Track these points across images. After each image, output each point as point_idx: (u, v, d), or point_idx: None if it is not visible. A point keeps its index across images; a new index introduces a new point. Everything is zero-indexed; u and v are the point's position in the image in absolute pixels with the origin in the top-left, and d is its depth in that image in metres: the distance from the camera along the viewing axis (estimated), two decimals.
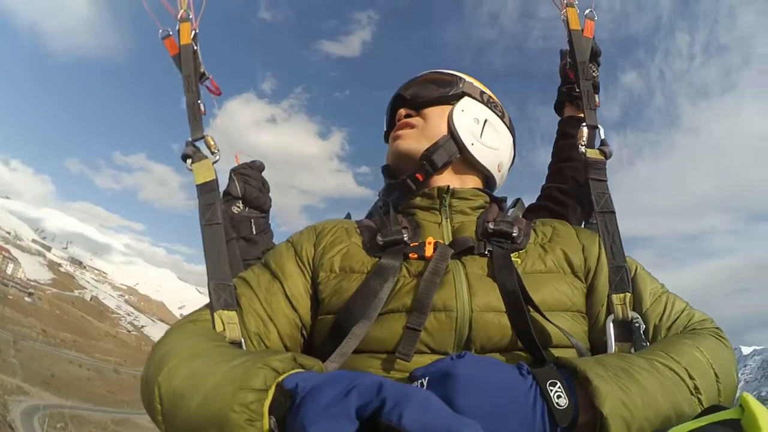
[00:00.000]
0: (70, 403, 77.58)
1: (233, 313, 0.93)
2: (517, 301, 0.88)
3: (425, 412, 0.52)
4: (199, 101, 1.21)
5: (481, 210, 1.12)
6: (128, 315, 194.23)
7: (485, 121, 1.21)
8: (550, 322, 0.89)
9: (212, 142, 1.17)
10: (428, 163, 1.12)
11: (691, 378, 0.79)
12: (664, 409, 0.72)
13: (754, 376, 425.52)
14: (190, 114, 1.19)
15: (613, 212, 1.13)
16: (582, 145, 1.24)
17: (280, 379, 0.64)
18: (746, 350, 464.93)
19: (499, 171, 1.25)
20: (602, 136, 1.27)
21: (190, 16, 1.26)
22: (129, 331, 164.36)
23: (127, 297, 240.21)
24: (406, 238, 0.99)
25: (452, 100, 1.19)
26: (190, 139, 1.16)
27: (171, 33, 1.26)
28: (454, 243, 0.99)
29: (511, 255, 0.98)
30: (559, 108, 1.64)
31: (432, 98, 1.19)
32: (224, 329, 0.91)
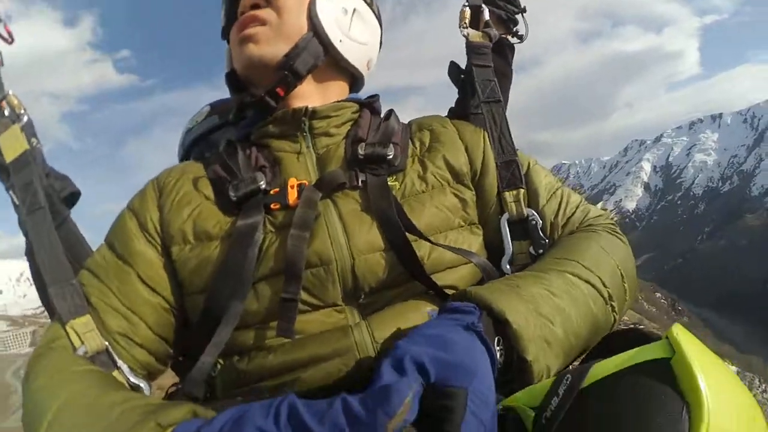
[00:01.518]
0: None
1: (87, 318, 0.78)
2: (399, 234, 0.79)
3: None
4: None
5: (350, 124, 0.95)
6: None
7: (354, 10, 0.98)
8: (440, 245, 0.82)
9: (16, 101, 0.96)
10: (290, 72, 0.89)
11: (605, 287, 0.77)
12: (585, 331, 0.71)
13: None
14: None
15: (500, 101, 1.05)
16: (464, 27, 1.13)
17: None
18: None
19: (369, 69, 1.06)
20: (486, 17, 1.17)
21: None
22: None
23: None
24: (263, 185, 0.83)
25: None
26: None
27: None
28: (321, 181, 0.83)
29: (388, 180, 0.86)
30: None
31: None
32: (82, 342, 0.76)
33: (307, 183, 0.83)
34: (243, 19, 0.90)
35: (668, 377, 0.53)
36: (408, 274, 0.80)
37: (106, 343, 0.77)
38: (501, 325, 0.64)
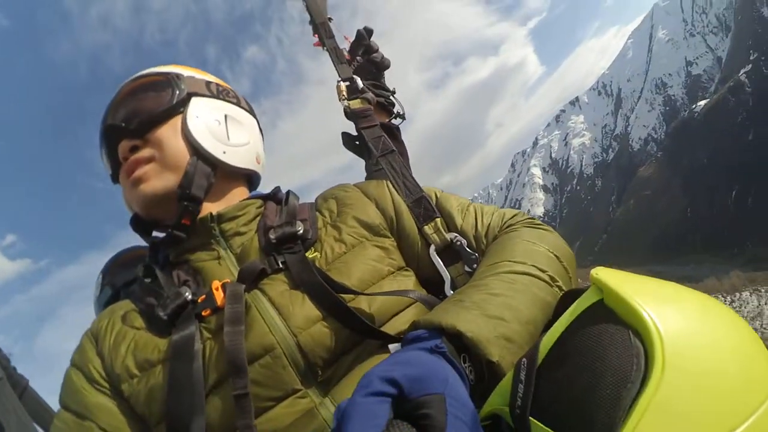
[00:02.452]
0: None
1: None
2: (332, 298, 0.79)
3: None
4: None
5: (257, 218, 0.97)
6: None
7: (225, 117, 0.99)
8: (375, 294, 0.83)
9: None
10: (190, 201, 0.90)
11: (543, 272, 0.78)
12: (540, 316, 0.72)
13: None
14: None
15: (394, 151, 1.13)
16: (344, 100, 1.27)
17: None
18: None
19: (259, 163, 1.06)
20: (360, 85, 1.31)
21: None
22: None
23: None
24: (189, 297, 0.83)
25: (179, 108, 0.94)
26: None
27: None
28: (241, 275, 0.84)
29: (307, 254, 0.88)
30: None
31: (154, 115, 0.92)
32: None
33: (230, 281, 0.84)
34: (128, 165, 0.90)
35: (606, 314, 0.54)
36: (357, 334, 0.78)
37: None
38: (458, 340, 0.64)
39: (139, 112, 0.91)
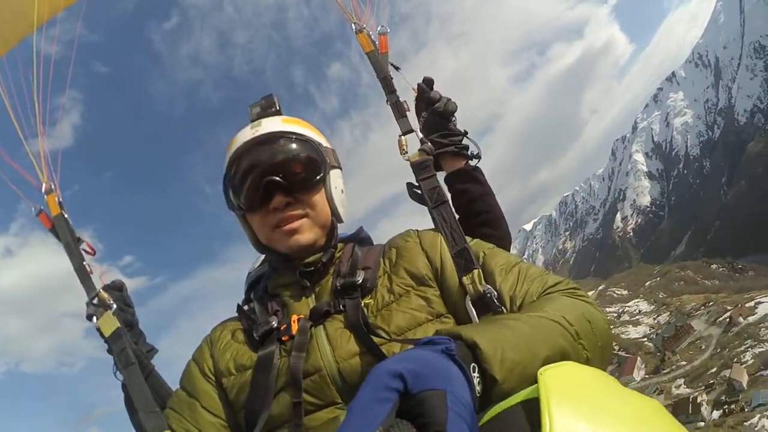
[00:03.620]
0: None
1: None
2: (368, 339, 1.04)
3: None
4: (84, 262, 1.37)
5: (336, 260, 1.24)
6: None
7: (342, 183, 1.30)
8: (397, 340, 1.04)
9: (105, 296, 1.34)
10: (334, 249, 1.25)
11: (571, 325, 0.86)
12: (554, 359, 0.77)
13: (545, 240, 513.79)
14: (80, 276, 1.36)
15: (446, 201, 1.26)
16: (404, 154, 1.35)
17: None
18: (528, 226, 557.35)
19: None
20: (419, 136, 1.38)
21: (53, 187, 1.42)
22: None
23: None
24: (275, 325, 1.14)
25: (324, 178, 1.23)
26: (87, 300, 1.34)
27: (43, 208, 1.42)
28: (312, 313, 1.13)
29: (364, 299, 1.13)
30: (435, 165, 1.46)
31: (310, 184, 1.19)
32: None
33: (303, 316, 1.14)
34: (285, 218, 1.16)
35: (528, 417, 0.58)
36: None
37: None
38: (473, 351, 0.72)
39: (295, 175, 1.17)
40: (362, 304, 1.12)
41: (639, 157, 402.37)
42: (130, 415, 1.47)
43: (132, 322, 1.71)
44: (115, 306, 1.34)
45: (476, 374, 0.69)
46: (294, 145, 1.19)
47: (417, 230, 1.29)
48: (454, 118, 1.56)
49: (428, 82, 1.56)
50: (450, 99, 1.56)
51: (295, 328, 1.11)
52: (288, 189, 1.15)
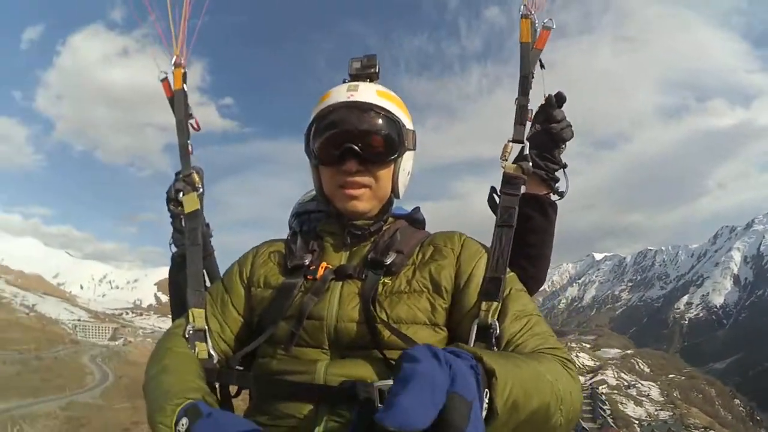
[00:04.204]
0: (15, 404, 73.24)
1: (201, 310, 1.36)
2: (369, 315, 1.16)
3: None
4: (188, 141, 1.52)
5: (378, 232, 1.35)
6: (15, 297, 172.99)
7: (411, 165, 1.40)
8: (391, 328, 1.15)
9: (197, 178, 1.51)
10: (383, 222, 1.37)
11: (559, 389, 0.95)
12: (536, 399, 0.88)
13: (606, 277, 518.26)
14: (182, 153, 1.52)
15: (512, 227, 1.29)
16: (504, 160, 1.37)
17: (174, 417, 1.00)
18: (598, 256, 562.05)
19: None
20: (526, 152, 1.38)
21: (182, 62, 1.54)
22: (27, 314, 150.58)
23: (4, 278, 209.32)
24: (306, 263, 1.30)
25: (398, 158, 1.32)
26: (181, 175, 1.50)
27: (167, 76, 1.55)
28: (338, 270, 1.26)
29: (384, 278, 1.23)
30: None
31: (383, 160, 1.29)
32: (194, 321, 1.33)
33: (333, 268, 1.28)
34: (350, 182, 1.29)
35: None
36: (371, 343, 1.15)
37: (205, 328, 1.33)
38: (489, 378, 0.79)
39: (372, 148, 1.27)
40: (380, 281, 1.23)
41: (736, 256, 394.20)
42: (171, 285, 1.59)
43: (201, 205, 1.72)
44: (202, 189, 1.52)
45: (486, 399, 0.77)
46: (380, 121, 1.28)
47: (464, 237, 1.33)
48: (563, 146, 1.51)
49: (560, 99, 1.49)
50: (570, 126, 1.49)
51: (320, 273, 1.26)
52: (362, 158, 1.26)
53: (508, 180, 1.36)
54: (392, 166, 1.32)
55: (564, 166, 1.51)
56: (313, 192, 1.66)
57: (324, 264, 1.29)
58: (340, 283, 1.25)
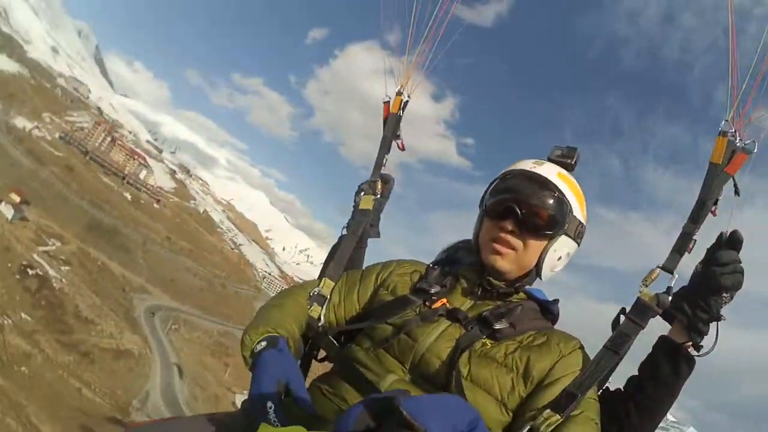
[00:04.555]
0: (186, 308, 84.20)
1: (332, 283, 1.57)
2: (453, 361, 1.26)
3: None
4: (387, 156, 1.83)
5: (506, 302, 1.44)
6: (229, 231, 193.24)
7: (567, 254, 1.46)
8: (464, 386, 1.25)
9: (379, 185, 1.79)
10: (515, 290, 1.45)
11: None
12: None
13: None
14: (377, 164, 1.81)
15: (618, 354, 1.31)
16: (643, 285, 1.35)
17: (254, 344, 1.26)
18: None
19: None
20: (671, 284, 1.33)
21: (404, 93, 1.84)
22: (232, 248, 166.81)
23: (227, 213, 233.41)
24: (432, 291, 1.44)
25: (553, 237, 1.39)
26: (369, 179, 1.80)
27: (390, 100, 1.82)
28: (452, 312, 1.38)
29: (486, 339, 1.32)
30: (669, 316, 1.38)
31: (539, 232, 1.37)
32: (322, 287, 1.54)
33: (450, 307, 1.40)
34: (502, 239, 1.40)
35: None
36: (443, 385, 1.26)
37: (327, 297, 1.54)
38: None
39: (534, 217, 1.37)
40: (481, 340, 1.31)
41: None
42: (329, 253, 1.81)
43: (379, 209, 1.92)
44: (379, 195, 1.79)
45: None
46: (549, 199, 1.38)
47: (578, 347, 1.38)
48: (726, 296, 1.31)
49: (733, 240, 1.30)
50: (739, 273, 1.29)
51: (436, 305, 1.39)
52: (520, 222, 1.37)
53: (637, 306, 1.34)
54: (545, 243, 1.40)
55: (717, 319, 1.33)
56: (457, 243, 1.83)
57: (444, 300, 1.41)
58: (448, 322, 1.36)
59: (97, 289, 66.70)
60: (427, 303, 1.41)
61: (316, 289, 1.55)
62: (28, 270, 55.90)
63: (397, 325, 1.36)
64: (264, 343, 1.23)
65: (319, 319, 1.52)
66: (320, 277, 1.63)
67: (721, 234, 1.34)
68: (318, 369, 1.59)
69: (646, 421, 1.39)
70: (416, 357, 1.30)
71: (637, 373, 1.42)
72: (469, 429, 0.69)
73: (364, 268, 1.71)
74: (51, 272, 59.54)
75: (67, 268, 66.03)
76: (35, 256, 60.58)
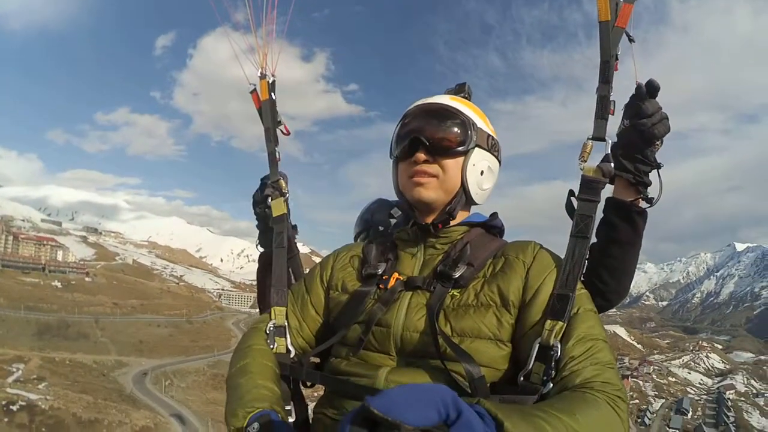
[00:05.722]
0: (167, 360, 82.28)
1: (283, 308, 1.44)
2: (433, 326, 1.16)
3: None
4: (276, 148, 1.60)
5: (453, 242, 1.35)
6: (165, 269, 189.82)
7: (488, 168, 1.38)
8: (451, 344, 1.15)
9: (284, 184, 1.60)
10: (449, 215, 1.35)
11: None
12: None
13: (747, 272, 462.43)
14: (270, 160, 1.61)
15: (587, 238, 1.20)
16: (582, 161, 1.26)
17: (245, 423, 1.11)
18: (740, 247, 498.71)
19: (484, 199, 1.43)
20: (607, 150, 1.26)
21: (267, 74, 1.61)
22: (177, 283, 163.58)
23: (154, 252, 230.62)
24: (380, 272, 1.35)
25: (466, 152, 1.33)
26: (269, 181, 1.60)
27: (256, 88, 1.63)
28: (408, 281, 1.31)
29: (452, 290, 1.25)
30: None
31: (451, 150, 1.31)
32: (275, 318, 1.41)
33: (404, 278, 1.32)
34: (418, 170, 1.32)
35: None
36: (434, 353, 1.17)
37: (285, 324, 1.41)
38: None
39: (441, 140, 1.31)
40: (448, 293, 1.24)
41: None
42: (258, 281, 1.72)
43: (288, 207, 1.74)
44: (288, 194, 1.60)
45: None
46: (449, 119, 1.34)
47: (538, 248, 1.29)
48: (658, 143, 1.30)
49: (651, 88, 1.28)
50: (665, 119, 1.28)
51: (391, 283, 1.32)
52: (429, 149, 1.31)
53: (585, 184, 1.24)
54: (461, 160, 1.33)
55: (657, 167, 1.31)
56: (371, 207, 1.99)
57: (396, 274, 1.34)
58: (410, 293, 1.29)
59: (82, 388, 66.48)
60: (381, 285, 1.34)
61: (271, 324, 1.40)
62: (11, 407, 54.25)
63: (364, 321, 1.28)
64: (256, 425, 1.09)
65: (288, 351, 1.38)
66: (267, 308, 1.47)
67: (639, 85, 1.30)
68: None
69: (622, 280, 1.38)
70: (397, 341, 1.23)
71: (595, 240, 1.34)
72: (457, 412, 0.65)
73: (305, 278, 1.53)
74: (33, 397, 58.25)
75: (43, 384, 65.37)
76: (9, 390, 59.05)
